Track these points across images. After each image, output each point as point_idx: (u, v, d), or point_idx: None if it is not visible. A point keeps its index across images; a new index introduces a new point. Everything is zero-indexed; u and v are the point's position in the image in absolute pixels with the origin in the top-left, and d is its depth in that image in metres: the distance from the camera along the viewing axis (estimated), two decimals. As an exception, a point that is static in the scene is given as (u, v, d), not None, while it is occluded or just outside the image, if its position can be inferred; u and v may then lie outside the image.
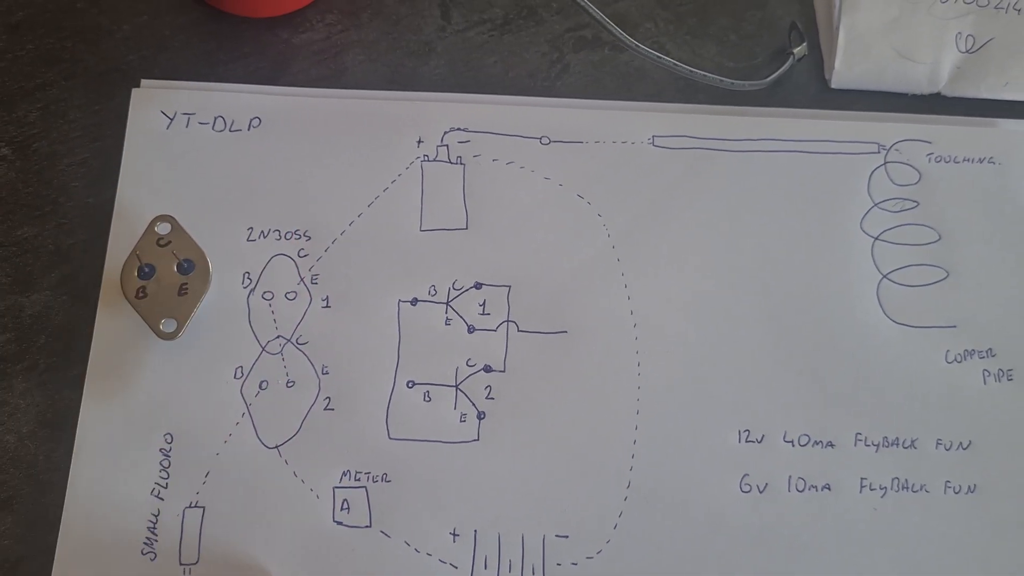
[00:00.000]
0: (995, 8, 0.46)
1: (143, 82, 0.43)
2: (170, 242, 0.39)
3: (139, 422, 0.38)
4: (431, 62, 0.45)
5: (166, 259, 0.39)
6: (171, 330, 0.38)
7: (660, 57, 0.36)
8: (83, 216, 0.41)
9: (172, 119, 0.43)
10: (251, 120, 0.43)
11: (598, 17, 0.34)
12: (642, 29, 0.47)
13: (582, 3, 0.34)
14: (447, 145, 0.43)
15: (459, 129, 0.43)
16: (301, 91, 0.44)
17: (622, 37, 0.35)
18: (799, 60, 0.45)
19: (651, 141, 0.43)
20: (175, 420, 0.38)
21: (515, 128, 0.43)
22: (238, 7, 0.45)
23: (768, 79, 0.43)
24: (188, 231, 0.40)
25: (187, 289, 0.39)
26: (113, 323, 0.39)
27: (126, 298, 0.39)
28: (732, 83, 0.40)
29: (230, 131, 0.43)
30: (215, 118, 0.43)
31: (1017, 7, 0.46)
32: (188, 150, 0.42)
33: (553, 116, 0.44)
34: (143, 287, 0.39)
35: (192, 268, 0.39)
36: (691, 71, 0.38)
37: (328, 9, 0.46)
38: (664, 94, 0.45)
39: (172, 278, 0.39)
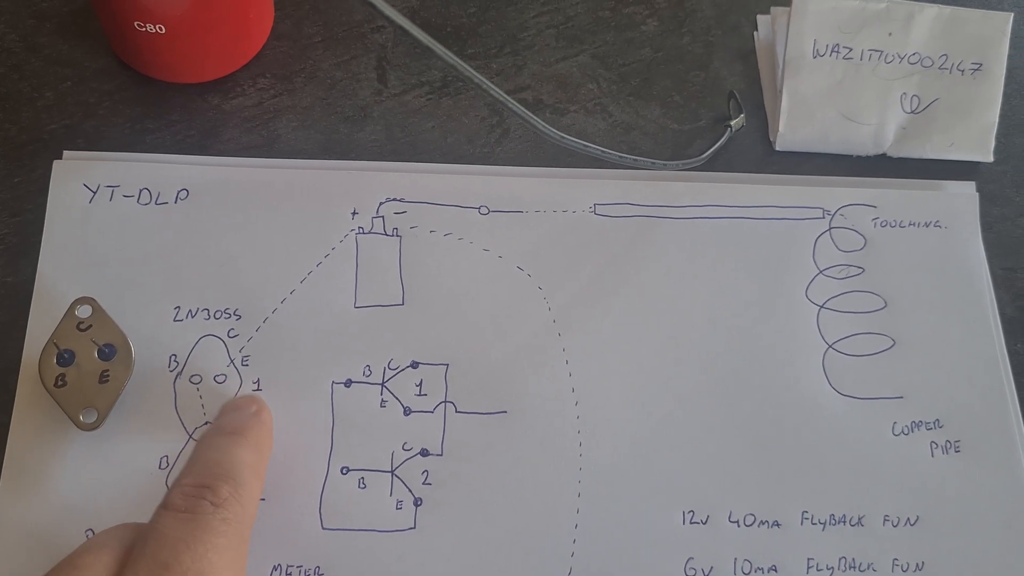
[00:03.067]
0: (940, 68, 0.45)
1: (65, 154, 0.42)
2: (91, 326, 0.38)
3: (59, 519, 0.36)
4: (367, 128, 0.44)
5: (86, 344, 0.38)
6: (91, 420, 0.37)
7: (586, 145, 0.35)
8: (1, 297, 0.40)
9: (95, 192, 0.41)
10: (178, 192, 0.41)
11: (513, 107, 0.33)
12: (584, 90, 0.46)
13: (490, 89, 0.32)
14: (383, 216, 0.42)
15: (395, 199, 0.42)
16: (231, 161, 0.42)
17: (544, 129, 0.34)
18: (737, 131, 0.44)
19: (592, 209, 0.42)
20: (97, 516, 0.37)
21: (453, 198, 0.42)
22: (166, 72, 0.43)
23: (703, 156, 0.42)
24: (111, 312, 0.38)
25: (109, 376, 0.37)
26: (31, 413, 0.38)
27: (44, 387, 0.37)
28: (664, 164, 0.39)
29: (156, 204, 0.41)
30: (140, 190, 0.41)
31: (961, 67, 0.45)
32: (112, 225, 0.41)
33: (492, 185, 0.42)
34: (62, 375, 0.37)
35: (114, 353, 0.38)
36: (620, 156, 0.37)
37: (260, 73, 0.45)
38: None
39: (93, 364, 0.37)
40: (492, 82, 0.44)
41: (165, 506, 0.31)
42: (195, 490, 0.31)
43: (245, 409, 0.36)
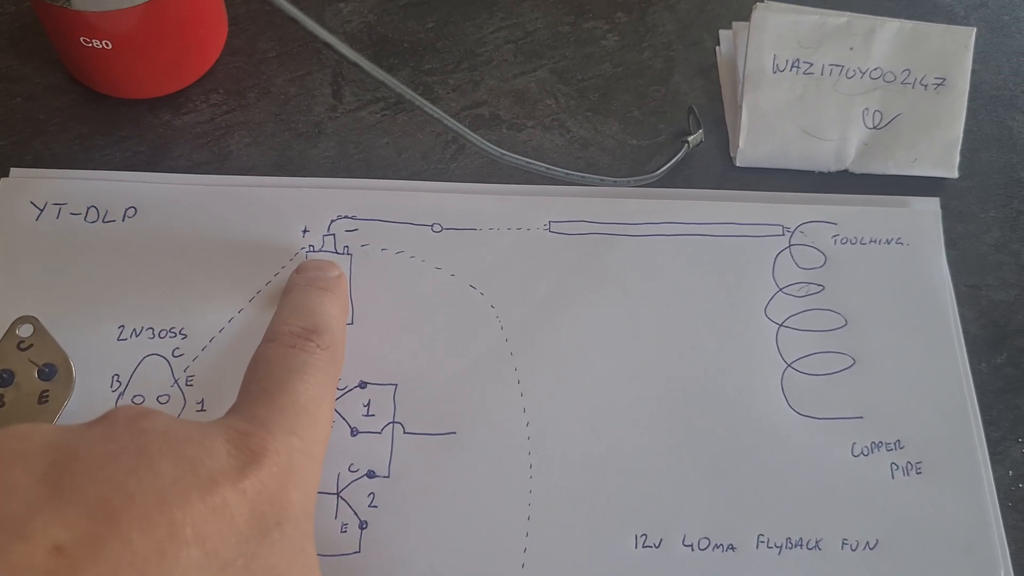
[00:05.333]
0: (902, 83, 0.45)
1: (12, 171, 0.41)
2: (32, 345, 0.37)
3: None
4: (320, 144, 0.43)
5: (26, 364, 0.37)
6: (29, 443, 0.36)
7: (529, 163, 0.35)
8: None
9: (42, 210, 0.41)
10: (126, 210, 0.41)
11: (459, 130, 0.32)
12: (542, 106, 0.45)
13: (433, 112, 0.32)
14: (333, 234, 0.41)
15: (347, 217, 0.41)
16: (180, 178, 0.42)
17: (488, 148, 0.33)
18: (694, 147, 0.43)
19: (547, 227, 0.42)
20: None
21: (406, 215, 0.42)
22: (115, 88, 0.43)
23: (659, 171, 0.42)
24: (54, 331, 0.37)
25: (48, 396, 0.37)
26: (-31, 434, 0.37)
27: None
28: (615, 181, 0.38)
29: (103, 222, 0.41)
30: (88, 208, 0.41)
31: (924, 82, 0.45)
32: (58, 243, 0.40)
33: (446, 202, 0.42)
34: (1, 396, 0.36)
35: (55, 373, 0.37)
36: (567, 174, 0.36)
37: (213, 88, 0.44)
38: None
39: (32, 385, 0.37)
40: (450, 97, 0.44)
41: (272, 339, 0.33)
42: (302, 331, 0.33)
43: (329, 271, 0.38)
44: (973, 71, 0.45)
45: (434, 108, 0.32)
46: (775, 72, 0.44)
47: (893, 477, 0.39)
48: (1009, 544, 0.38)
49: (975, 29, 0.45)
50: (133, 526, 0.24)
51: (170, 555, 0.24)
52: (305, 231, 0.41)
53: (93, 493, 0.24)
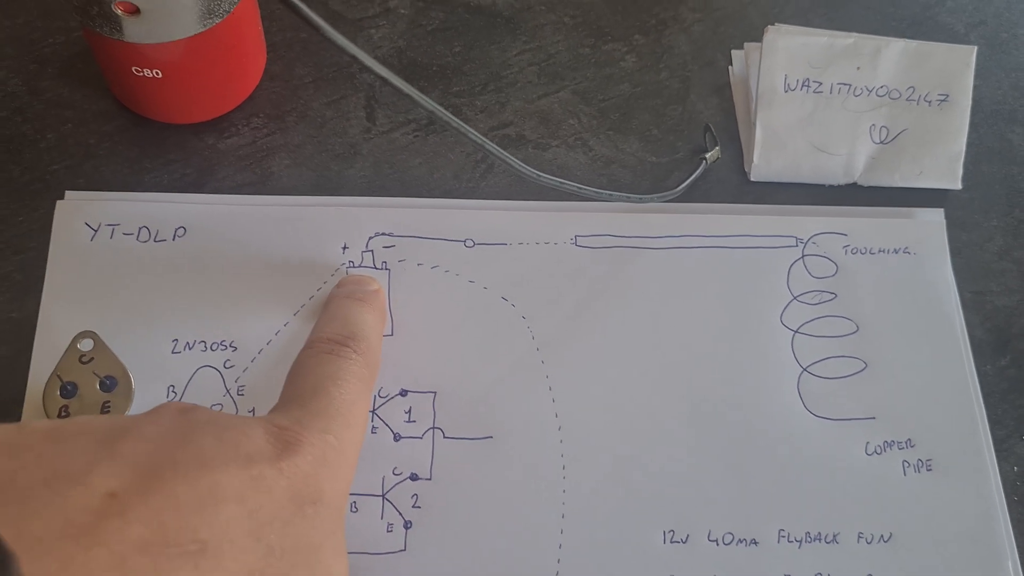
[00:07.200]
0: (907, 100, 0.47)
1: (67, 194, 0.44)
2: (92, 359, 0.39)
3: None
4: (356, 164, 0.46)
5: (88, 377, 0.39)
6: (93, 451, 0.38)
7: (563, 183, 0.37)
8: (6, 332, 0.41)
9: (96, 231, 0.43)
10: (176, 230, 0.43)
11: (491, 148, 0.34)
12: (565, 126, 0.47)
13: (468, 132, 0.34)
14: (372, 251, 0.43)
15: (384, 234, 0.44)
16: (226, 199, 0.44)
17: (521, 168, 0.36)
18: (712, 163, 0.46)
19: (573, 241, 0.44)
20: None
21: (440, 231, 0.44)
22: (163, 114, 0.45)
23: (678, 189, 0.44)
24: (112, 346, 0.40)
25: (110, 407, 0.39)
26: (35, 443, 0.39)
27: (48, 418, 0.38)
28: (640, 198, 0.41)
29: (155, 241, 0.43)
30: (139, 228, 0.43)
31: (928, 99, 0.47)
32: (112, 262, 0.42)
33: (477, 218, 0.44)
34: (65, 406, 0.39)
35: (115, 385, 0.39)
36: (596, 192, 0.39)
37: (254, 113, 0.46)
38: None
39: (95, 396, 0.39)
40: (477, 118, 0.46)
41: (310, 346, 0.35)
42: (339, 337, 0.36)
43: (368, 285, 0.40)
44: (975, 87, 0.47)
45: (468, 128, 0.34)
46: (786, 91, 0.47)
47: (905, 474, 0.42)
48: (1015, 536, 0.40)
49: (976, 48, 0.48)
50: (178, 481, 0.26)
51: (211, 508, 0.27)
52: (345, 247, 0.43)
53: (143, 457, 0.27)
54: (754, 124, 0.47)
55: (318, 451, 0.30)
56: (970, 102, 0.48)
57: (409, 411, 0.41)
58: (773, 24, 0.48)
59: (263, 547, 0.27)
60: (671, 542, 0.40)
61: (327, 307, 0.39)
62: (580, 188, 0.37)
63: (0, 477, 0.24)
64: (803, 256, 0.45)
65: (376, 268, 0.43)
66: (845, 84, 0.47)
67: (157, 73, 0.42)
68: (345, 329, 0.37)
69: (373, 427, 0.41)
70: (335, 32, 0.32)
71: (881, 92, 0.47)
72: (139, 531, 0.25)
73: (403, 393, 0.41)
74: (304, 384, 0.34)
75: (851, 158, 0.47)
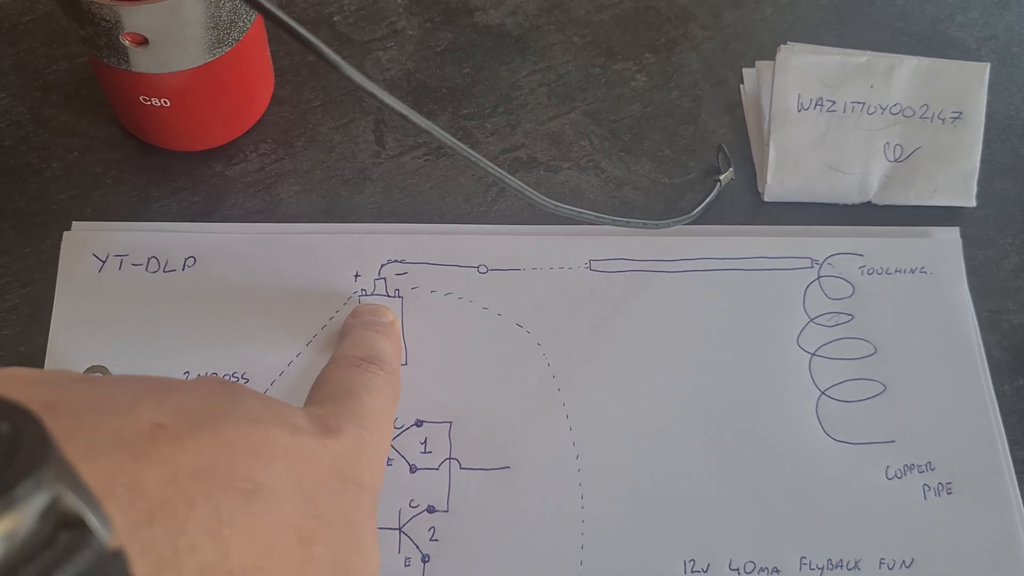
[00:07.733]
0: (921, 118, 0.47)
1: (74, 224, 0.43)
2: (104, 394, 0.39)
3: None
4: (366, 190, 0.45)
5: (100, 413, 0.38)
6: (106, 488, 0.38)
7: (582, 212, 0.36)
8: (14, 365, 0.41)
9: (104, 261, 0.42)
10: (185, 260, 0.43)
11: (502, 176, 0.33)
12: (577, 147, 0.47)
13: (479, 162, 0.33)
14: (384, 278, 0.43)
15: (396, 261, 0.43)
16: (235, 227, 0.43)
17: (536, 199, 0.35)
18: (726, 185, 0.45)
19: (588, 265, 0.44)
20: None
21: (452, 258, 0.43)
22: (171, 142, 0.45)
23: (694, 212, 0.44)
24: (123, 379, 0.39)
25: (122, 443, 0.38)
26: (47, 481, 0.39)
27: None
28: (656, 224, 0.40)
29: (164, 271, 0.42)
30: (148, 259, 0.42)
31: (942, 116, 0.47)
32: (121, 293, 0.42)
33: (490, 244, 0.44)
34: (77, 443, 0.38)
35: (127, 420, 0.38)
36: (613, 220, 0.38)
37: (262, 138, 0.46)
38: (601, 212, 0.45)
39: (106, 432, 0.38)
40: (488, 141, 0.46)
41: (335, 362, 0.35)
42: (366, 356, 0.36)
43: (383, 316, 0.40)
44: (988, 103, 0.47)
45: (479, 157, 0.33)
46: (799, 111, 0.46)
47: (925, 498, 0.41)
48: (1039, 560, 0.40)
49: (989, 64, 0.47)
50: (228, 427, 0.25)
51: (263, 457, 0.25)
52: (357, 275, 0.43)
53: (193, 405, 0.25)
54: (767, 144, 0.46)
55: (356, 440, 0.30)
56: (984, 119, 0.47)
57: (425, 441, 0.40)
58: (785, 42, 0.47)
59: (312, 509, 0.26)
60: (692, 571, 0.39)
61: (346, 335, 0.39)
62: (597, 217, 0.36)
63: (41, 405, 0.21)
64: (819, 277, 0.45)
65: (389, 296, 0.42)
66: (859, 103, 0.47)
67: (165, 102, 0.41)
68: (368, 351, 0.36)
69: (389, 459, 0.40)
70: (352, 68, 0.31)
71: (895, 110, 0.47)
72: (191, 459, 0.23)
73: (418, 423, 0.41)
74: (336, 387, 0.34)
75: (865, 177, 0.46)
